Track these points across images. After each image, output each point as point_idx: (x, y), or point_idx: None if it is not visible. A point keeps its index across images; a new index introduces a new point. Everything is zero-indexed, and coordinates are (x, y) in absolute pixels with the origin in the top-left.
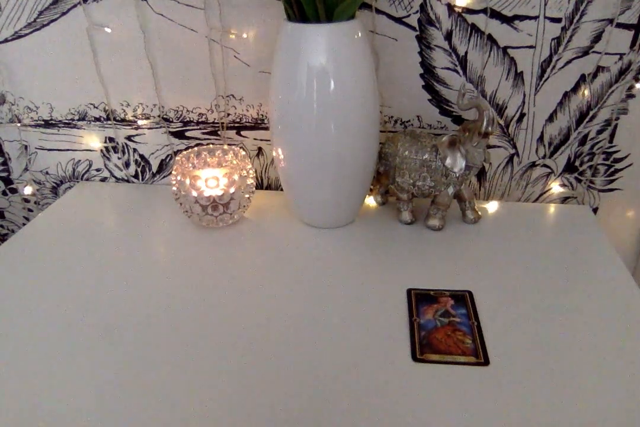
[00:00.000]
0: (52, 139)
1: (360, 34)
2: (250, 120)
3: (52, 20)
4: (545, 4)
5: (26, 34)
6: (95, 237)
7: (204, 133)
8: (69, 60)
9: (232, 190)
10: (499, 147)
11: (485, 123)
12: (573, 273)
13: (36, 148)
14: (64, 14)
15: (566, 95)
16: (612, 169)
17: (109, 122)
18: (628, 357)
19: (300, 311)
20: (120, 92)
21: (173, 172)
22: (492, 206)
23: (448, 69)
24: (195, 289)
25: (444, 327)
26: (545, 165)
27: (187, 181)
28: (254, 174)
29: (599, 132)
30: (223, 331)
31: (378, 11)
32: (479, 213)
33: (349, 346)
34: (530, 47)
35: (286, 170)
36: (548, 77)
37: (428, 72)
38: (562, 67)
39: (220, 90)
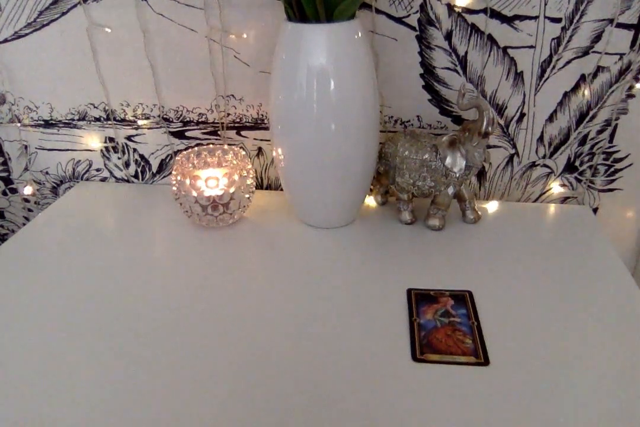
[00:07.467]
0: (52, 139)
1: (360, 34)
2: (250, 120)
3: (52, 20)
4: (545, 4)
5: (26, 34)
6: (95, 237)
7: (204, 133)
8: (69, 60)
9: (232, 190)
10: (499, 147)
11: (485, 123)
12: (573, 273)
13: (36, 148)
14: (64, 14)
15: (566, 95)
16: (612, 169)
17: (109, 122)
18: (628, 357)
19: (300, 311)
20: (120, 92)
21: (173, 172)
22: (492, 206)
23: (448, 69)
24: (195, 289)
25: (444, 327)
26: (545, 165)
27: (187, 181)
28: (254, 174)
29: (599, 132)
30: (222, 330)
31: (378, 11)
32: (479, 213)
33: (349, 345)
34: (530, 47)
35: (286, 170)
36: (548, 77)
37: (428, 72)
38: (562, 67)
39: (220, 90)
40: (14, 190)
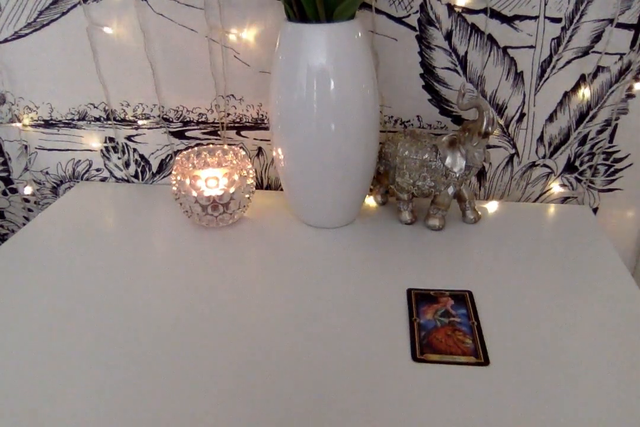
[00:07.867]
0: (52, 139)
1: (360, 34)
2: (250, 120)
3: (52, 20)
4: (545, 4)
5: (26, 34)
6: (95, 237)
7: (204, 133)
8: (69, 60)
9: (232, 190)
10: (499, 147)
11: (485, 123)
12: (573, 273)
13: (36, 148)
14: (64, 14)
15: (566, 95)
16: (612, 169)
17: (109, 122)
18: (628, 357)
19: (300, 311)
20: (120, 92)
21: (173, 172)
22: (492, 206)
23: (448, 69)
24: (195, 289)
25: (444, 327)
26: (545, 165)
27: (187, 181)
28: (254, 174)
29: (599, 132)
30: (222, 330)
31: (378, 11)
32: (479, 213)
33: (349, 346)
34: (530, 47)
35: (286, 170)
36: (548, 77)
37: (428, 72)
38: (562, 67)
39: (220, 90)
40: (14, 190)
